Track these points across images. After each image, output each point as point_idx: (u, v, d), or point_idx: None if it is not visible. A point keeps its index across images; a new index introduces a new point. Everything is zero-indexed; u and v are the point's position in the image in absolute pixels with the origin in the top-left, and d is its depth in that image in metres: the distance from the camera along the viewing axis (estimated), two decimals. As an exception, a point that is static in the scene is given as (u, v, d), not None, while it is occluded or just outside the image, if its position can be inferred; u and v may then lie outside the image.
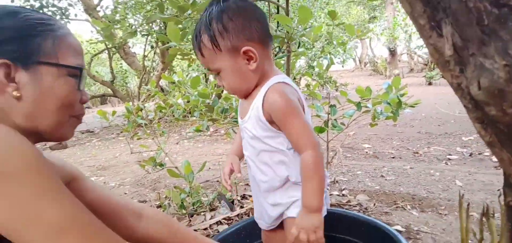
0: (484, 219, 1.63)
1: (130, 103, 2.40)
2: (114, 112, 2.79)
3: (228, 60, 0.96)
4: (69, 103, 0.75)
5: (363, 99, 2.37)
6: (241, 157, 1.20)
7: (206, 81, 7.33)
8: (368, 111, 2.13)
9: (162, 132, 2.57)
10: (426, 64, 12.33)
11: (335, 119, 2.15)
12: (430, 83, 10.57)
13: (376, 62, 17.91)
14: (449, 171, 2.77)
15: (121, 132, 5.93)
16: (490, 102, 0.72)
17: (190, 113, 2.36)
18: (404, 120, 4.87)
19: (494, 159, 3.02)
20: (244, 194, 2.57)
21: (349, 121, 2.18)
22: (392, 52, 13.81)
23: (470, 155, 3.21)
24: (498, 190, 2.32)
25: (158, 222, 1.08)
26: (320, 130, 2.15)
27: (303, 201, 0.98)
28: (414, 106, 2.01)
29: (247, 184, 2.81)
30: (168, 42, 1.77)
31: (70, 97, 0.75)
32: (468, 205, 1.61)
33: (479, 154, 3.22)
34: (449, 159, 3.17)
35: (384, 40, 14.63)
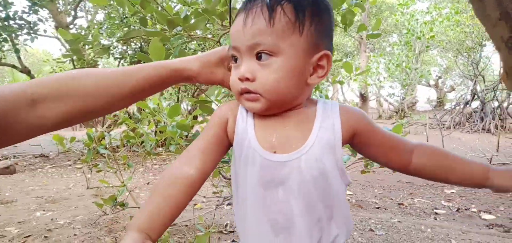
0: None
1: (93, 129, 2.07)
2: (73, 139, 2.41)
3: (296, 53, 0.66)
4: None
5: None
6: (155, 236, 0.65)
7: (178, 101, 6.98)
8: (362, 159, 1.92)
9: (128, 165, 2.21)
10: (396, 112, 12.66)
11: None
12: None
13: (347, 106, 18.26)
14: (440, 228, 2.57)
15: (79, 160, 5.40)
16: None
17: (162, 146, 2.03)
18: (382, 168, 4.73)
19: (484, 216, 2.88)
20: (219, 245, 2.22)
21: (346, 167, 1.94)
22: (363, 98, 14.12)
23: (457, 210, 3.06)
24: (499, 254, 2.14)
25: None
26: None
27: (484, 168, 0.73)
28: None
29: (221, 232, 2.47)
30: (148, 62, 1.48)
31: None
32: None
33: (466, 209, 3.07)
34: (437, 214, 2.99)
35: (354, 86, 15.00)
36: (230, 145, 0.76)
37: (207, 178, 0.77)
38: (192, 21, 1.48)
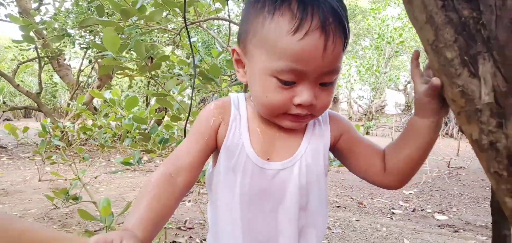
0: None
1: (48, 120, 1.98)
2: (26, 129, 2.30)
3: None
4: None
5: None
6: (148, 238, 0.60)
7: (147, 106, 6.83)
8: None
9: (83, 157, 2.14)
10: (365, 114, 12.98)
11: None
12: (367, 133, 11.05)
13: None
14: (395, 227, 2.66)
15: (33, 152, 5.20)
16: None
17: (120, 139, 1.99)
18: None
19: (437, 217, 3.00)
20: (174, 241, 2.20)
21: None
22: (334, 99, 14.39)
23: (413, 211, 3.18)
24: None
25: None
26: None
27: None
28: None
29: (179, 228, 2.44)
30: (102, 52, 1.44)
31: None
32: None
33: (421, 210, 3.19)
34: (393, 213, 3.09)
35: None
36: (215, 149, 0.72)
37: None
38: (149, 12, 1.45)
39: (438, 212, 3.12)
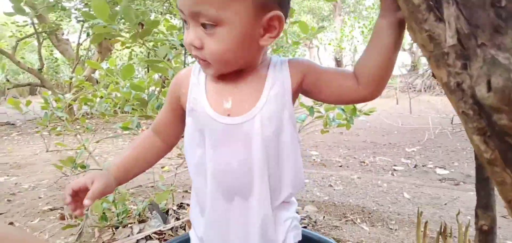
0: (441, 238, 1.52)
1: (49, 92, 2.03)
2: (28, 103, 2.35)
3: (243, 17, 0.63)
4: None
5: (316, 104, 2.22)
6: (117, 182, 0.79)
7: (147, 72, 6.85)
8: (321, 117, 1.98)
9: (86, 128, 2.20)
10: (369, 76, 12.88)
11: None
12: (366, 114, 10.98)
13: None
14: (396, 183, 2.72)
15: (37, 125, 5.30)
16: (502, 108, 0.54)
17: (120, 108, 2.03)
18: (350, 129, 4.88)
19: (438, 171, 3.05)
20: (181, 203, 2.28)
21: (301, 126, 2.00)
22: (338, 62, 14.24)
23: (414, 167, 3.22)
24: (445, 204, 2.30)
25: None
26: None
27: None
28: (369, 114, 1.88)
29: (186, 191, 2.53)
30: (91, 20, 1.45)
31: None
32: (426, 223, 1.49)
33: (423, 166, 3.24)
34: (395, 170, 3.15)
35: (331, 50, 15.05)
36: (183, 113, 0.78)
37: (173, 147, 0.87)
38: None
39: (440, 167, 3.16)
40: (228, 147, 0.72)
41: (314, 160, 3.52)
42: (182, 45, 1.55)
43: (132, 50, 6.55)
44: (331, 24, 16.71)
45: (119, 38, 1.41)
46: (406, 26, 0.67)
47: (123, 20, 1.55)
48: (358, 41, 11.87)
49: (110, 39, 1.38)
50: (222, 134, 0.71)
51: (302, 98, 1.99)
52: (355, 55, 12.91)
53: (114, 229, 1.92)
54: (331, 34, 14.24)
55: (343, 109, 1.89)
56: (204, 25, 0.65)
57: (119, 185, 0.81)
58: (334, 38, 13.68)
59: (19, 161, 3.58)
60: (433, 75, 0.67)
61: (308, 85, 0.75)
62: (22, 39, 6.41)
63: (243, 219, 0.75)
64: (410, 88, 10.27)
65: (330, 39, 13.82)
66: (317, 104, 2.22)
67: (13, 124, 5.97)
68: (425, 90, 11.07)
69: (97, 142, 2.63)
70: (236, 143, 0.71)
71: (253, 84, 0.72)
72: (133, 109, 1.76)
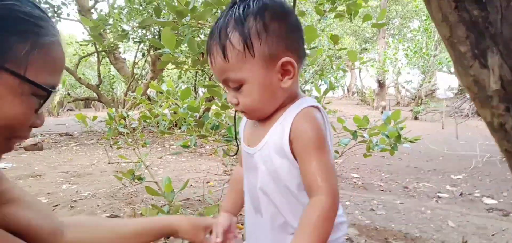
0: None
1: (113, 109, 2.26)
2: (95, 118, 2.61)
3: (258, 71, 0.75)
4: (16, 125, 0.59)
5: (360, 128, 2.27)
6: (236, 213, 1.01)
7: (196, 94, 7.18)
8: (364, 142, 2.03)
9: (144, 142, 2.40)
10: (413, 99, 12.52)
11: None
12: (416, 118, 10.68)
13: (364, 92, 18.12)
14: (440, 210, 2.67)
15: (101, 138, 5.68)
16: (542, 149, 0.62)
17: (176, 126, 2.20)
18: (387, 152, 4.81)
19: (486, 201, 2.95)
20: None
21: (344, 150, 2.07)
22: (381, 84, 13.98)
23: (460, 195, 3.14)
24: (493, 235, 2.24)
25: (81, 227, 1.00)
26: (313, 157, 2.03)
27: None
28: (413, 142, 1.91)
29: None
30: (160, 49, 1.64)
31: (20, 119, 0.59)
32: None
33: (469, 194, 3.15)
34: (439, 197, 3.08)
35: (372, 72, 14.83)
36: None
37: None
38: (200, 11, 1.62)
39: (487, 196, 3.06)
40: (248, 171, 0.90)
41: (355, 182, 3.53)
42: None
43: (181, 71, 6.93)
44: (373, 46, 16.50)
45: (181, 65, 1.58)
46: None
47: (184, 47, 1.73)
48: (402, 63, 11.63)
49: (176, 65, 1.55)
50: (245, 160, 0.90)
51: (346, 123, 2.07)
52: (399, 77, 12.64)
53: (165, 239, 2.07)
54: (374, 55, 14.06)
55: (387, 136, 1.94)
56: (234, 87, 0.79)
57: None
58: (377, 60, 13.49)
59: (78, 170, 3.90)
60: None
61: (294, 150, 0.78)
62: (83, 57, 6.99)
63: (262, 232, 0.89)
64: (457, 113, 9.88)
65: (373, 62, 13.64)
66: (361, 128, 2.28)
67: (71, 135, 6.47)
68: (473, 115, 10.58)
69: (160, 158, 2.84)
70: (251, 168, 0.88)
71: (269, 123, 0.83)
72: (189, 128, 1.92)
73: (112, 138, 2.48)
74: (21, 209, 0.85)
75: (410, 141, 1.90)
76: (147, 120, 2.37)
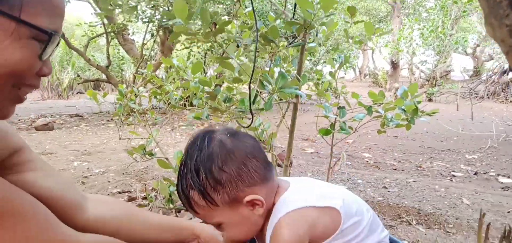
0: (504, 242, 1.48)
1: (124, 85, 2.25)
2: (105, 94, 2.60)
3: (229, 214, 0.82)
4: (20, 72, 0.57)
5: (375, 104, 2.22)
6: None
7: (205, 74, 7.16)
8: (379, 117, 1.99)
9: (155, 119, 2.39)
10: (427, 80, 12.29)
11: (343, 122, 1.99)
12: (430, 100, 10.49)
13: (377, 74, 17.84)
14: (454, 188, 2.62)
15: (111, 119, 5.72)
16: None
17: (187, 100, 2.18)
18: (405, 133, 4.74)
19: (501, 180, 2.89)
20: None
21: (358, 125, 2.02)
22: (395, 65, 13.73)
23: (475, 174, 3.08)
24: (509, 212, 2.18)
25: (105, 202, 1.00)
26: (326, 132, 2.01)
27: None
28: (431, 115, 1.86)
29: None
30: (171, 23, 1.60)
31: (23, 64, 0.56)
32: (489, 225, 1.46)
33: (484, 173, 3.08)
34: (454, 176, 3.03)
35: (385, 53, 14.54)
36: None
37: None
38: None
39: (503, 176, 2.99)
40: None
41: (367, 162, 3.49)
42: (253, 40, 1.65)
43: (191, 50, 6.88)
44: (387, 25, 16.15)
45: (195, 36, 1.54)
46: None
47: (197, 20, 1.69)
48: (417, 43, 11.36)
49: (188, 36, 1.51)
50: None
51: (361, 97, 2.02)
52: (413, 58, 12.36)
53: (177, 212, 2.08)
54: (387, 36, 13.74)
55: (404, 110, 1.89)
56: (215, 226, 0.87)
57: None
58: (391, 40, 13.21)
59: (89, 148, 3.93)
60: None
61: None
62: (92, 38, 6.99)
63: None
64: (472, 95, 9.67)
65: (387, 41, 13.35)
66: (376, 103, 2.22)
67: (81, 116, 6.53)
68: (488, 97, 10.35)
69: (172, 129, 2.83)
70: None
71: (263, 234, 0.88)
72: (200, 102, 1.90)
73: (122, 115, 2.48)
74: (42, 178, 0.85)
75: (428, 114, 1.85)
76: (158, 97, 2.36)
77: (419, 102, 1.88)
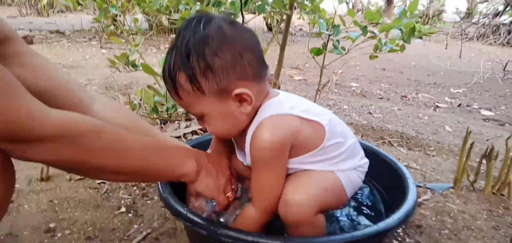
0: (483, 160, 1.52)
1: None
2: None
3: (215, 104, 0.77)
4: None
5: (371, 24, 2.16)
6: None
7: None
8: (374, 38, 1.94)
9: (139, 29, 2.28)
10: (420, 17, 12.09)
11: (337, 41, 1.94)
12: (420, 38, 10.39)
13: (371, 9, 17.45)
14: (438, 117, 2.67)
15: (94, 37, 5.49)
16: None
17: (172, 31, 2.06)
18: (393, 66, 4.72)
19: (483, 112, 2.95)
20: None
21: (351, 46, 1.97)
22: (389, 1, 13.38)
23: (458, 106, 3.13)
24: (487, 140, 2.24)
25: (113, 108, 0.97)
26: (318, 52, 1.96)
27: None
28: (429, 35, 1.82)
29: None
30: None
31: None
32: (472, 144, 1.49)
33: (467, 105, 3.14)
34: (438, 107, 3.07)
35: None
36: None
37: None
38: None
39: (485, 109, 3.05)
40: None
41: (353, 91, 3.49)
42: None
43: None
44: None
45: None
46: None
47: None
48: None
49: None
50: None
51: (356, 16, 1.95)
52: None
53: (162, 124, 2.05)
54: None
55: (401, 30, 1.84)
56: (198, 117, 0.84)
57: None
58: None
59: (71, 63, 3.80)
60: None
61: None
62: None
63: None
64: (462, 35, 9.60)
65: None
66: (371, 24, 2.16)
67: (62, 33, 6.23)
68: (478, 39, 10.29)
69: (158, 49, 2.65)
70: None
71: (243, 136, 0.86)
72: (189, 1, 1.79)
73: (104, 22, 2.35)
74: (33, 77, 0.79)
75: (425, 34, 1.81)
76: (141, 4, 2.22)
77: (417, 22, 1.84)
